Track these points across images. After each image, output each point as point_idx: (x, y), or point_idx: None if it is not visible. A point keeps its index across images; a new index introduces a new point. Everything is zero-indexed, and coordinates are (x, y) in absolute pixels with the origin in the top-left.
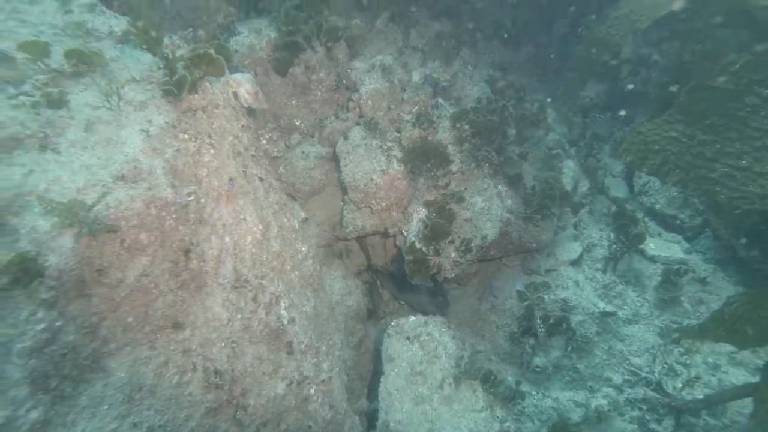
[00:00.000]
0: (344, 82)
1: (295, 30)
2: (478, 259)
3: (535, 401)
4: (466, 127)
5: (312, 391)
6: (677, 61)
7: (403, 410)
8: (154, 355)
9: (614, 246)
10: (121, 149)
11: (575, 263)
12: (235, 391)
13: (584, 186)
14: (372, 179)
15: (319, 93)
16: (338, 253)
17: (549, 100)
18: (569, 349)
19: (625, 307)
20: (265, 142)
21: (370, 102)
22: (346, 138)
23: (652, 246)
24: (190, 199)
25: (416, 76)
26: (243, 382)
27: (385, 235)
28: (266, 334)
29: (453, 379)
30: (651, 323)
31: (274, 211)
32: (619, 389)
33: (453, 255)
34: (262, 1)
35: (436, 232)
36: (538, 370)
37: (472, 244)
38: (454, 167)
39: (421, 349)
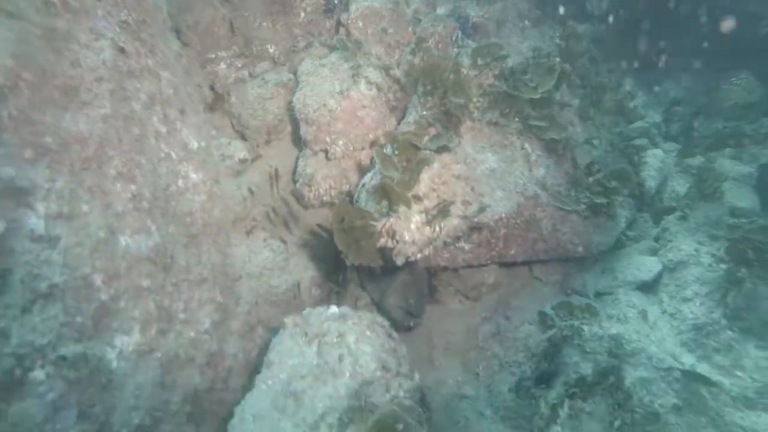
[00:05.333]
0: (336, 1)
1: None
2: (492, 259)
3: None
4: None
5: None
6: None
7: None
8: None
9: (726, 267)
10: None
11: (647, 288)
12: None
13: (680, 186)
14: (325, 104)
15: (302, 14)
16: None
17: None
18: (616, 424)
19: (738, 373)
20: (224, 66)
21: (360, 23)
22: (314, 60)
23: None
24: None
25: (441, 9)
26: None
27: (350, 197)
28: None
29: (337, 420)
30: None
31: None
32: None
33: (416, 219)
34: None
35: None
36: None
37: (455, 212)
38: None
39: (317, 356)
